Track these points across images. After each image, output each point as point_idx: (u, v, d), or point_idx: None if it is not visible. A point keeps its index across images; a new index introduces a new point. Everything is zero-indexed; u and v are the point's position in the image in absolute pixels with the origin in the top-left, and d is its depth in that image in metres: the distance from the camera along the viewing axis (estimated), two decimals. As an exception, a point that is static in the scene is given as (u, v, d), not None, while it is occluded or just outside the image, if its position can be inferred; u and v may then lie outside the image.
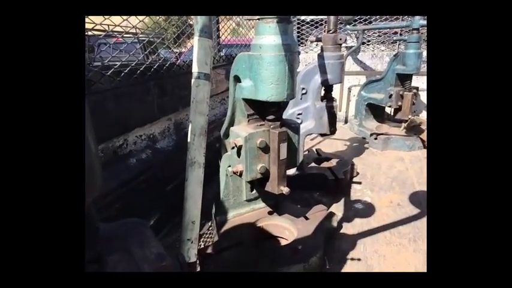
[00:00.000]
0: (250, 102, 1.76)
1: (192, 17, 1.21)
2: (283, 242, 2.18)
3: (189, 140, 1.07)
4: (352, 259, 2.11)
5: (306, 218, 2.27)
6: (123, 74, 1.90)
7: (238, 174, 1.82)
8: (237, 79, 1.79)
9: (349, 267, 2.04)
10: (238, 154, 1.78)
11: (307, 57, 5.35)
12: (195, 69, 1.03)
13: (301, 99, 2.77)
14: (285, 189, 1.87)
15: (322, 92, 2.79)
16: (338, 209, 2.69)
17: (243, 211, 2.28)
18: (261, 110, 1.78)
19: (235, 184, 2.14)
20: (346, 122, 5.32)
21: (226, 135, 2.07)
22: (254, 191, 2.33)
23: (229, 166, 1.98)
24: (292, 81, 1.59)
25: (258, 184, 1.98)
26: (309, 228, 2.14)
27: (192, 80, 1.06)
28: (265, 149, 1.76)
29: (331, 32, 2.60)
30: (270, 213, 2.34)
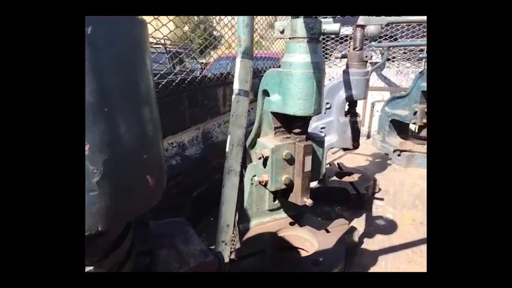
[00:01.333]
0: (277, 116, 1.84)
1: (236, 39, 1.30)
2: (304, 254, 2.21)
3: (227, 150, 1.16)
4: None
5: (327, 231, 2.29)
6: (160, 85, 2.04)
7: (263, 184, 1.89)
8: (266, 93, 1.88)
9: (369, 283, 2.04)
10: (265, 165, 1.86)
11: (331, 71, 5.41)
12: (236, 86, 1.13)
13: (325, 113, 2.83)
14: (308, 201, 1.92)
15: (346, 107, 2.84)
16: (359, 224, 2.68)
17: (265, 220, 2.34)
18: (288, 123, 1.86)
19: (259, 193, 2.21)
20: (368, 137, 5.30)
21: (252, 145, 2.16)
22: (276, 201, 2.39)
23: (255, 176, 2.06)
24: (319, 97, 1.67)
25: (282, 195, 2.04)
26: (330, 241, 2.16)
27: (233, 96, 1.16)
28: (291, 160, 1.83)
29: (357, 49, 2.66)
30: (291, 224, 2.38)
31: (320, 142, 1.94)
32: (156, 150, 0.53)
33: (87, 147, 0.42)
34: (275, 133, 1.88)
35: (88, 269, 0.55)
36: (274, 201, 2.34)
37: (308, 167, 1.84)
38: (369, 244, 2.43)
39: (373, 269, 2.17)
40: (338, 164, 3.43)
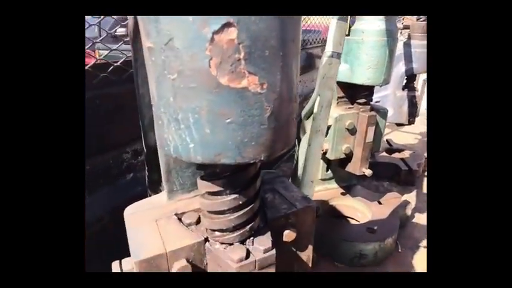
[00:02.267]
0: (342, 86, 1.85)
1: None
2: (354, 223, 2.27)
3: (315, 110, 1.22)
4: (424, 247, 2.13)
5: (380, 203, 2.32)
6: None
7: (323, 152, 1.94)
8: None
9: (420, 254, 2.07)
10: (326, 133, 1.90)
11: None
12: (329, 48, 1.16)
13: (380, 86, 2.76)
14: (367, 171, 1.95)
15: (404, 81, 2.74)
16: (410, 199, 2.67)
17: (317, 189, 2.41)
18: (352, 93, 1.86)
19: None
20: (417, 115, 5.07)
21: (308, 116, 2.19)
22: (329, 171, 2.44)
23: (310, 145, 2.11)
24: (390, 66, 1.65)
25: (339, 164, 2.08)
26: (383, 212, 2.20)
27: (325, 58, 1.20)
28: (353, 130, 1.85)
29: (420, 20, 2.53)
30: (342, 194, 2.44)
31: (383, 114, 1.93)
32: (296, 100, 0.60)
33: (264, 86, 0.49)
34: (337, 103, 1.89)
35: (231, 197, 0.64)
36: (327, 171, 2.39)
37: (370, 137, 1.86)
38: (420, 219, 2.43)
39: (424, 242, 2.19)
40: (387, 140, 3.37)
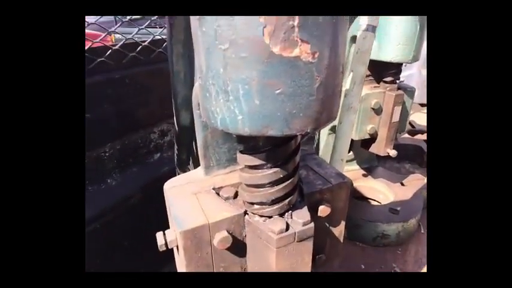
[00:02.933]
0: (369, 63, 1.79)
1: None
2: (376, 204, 2.26)
3: (347, 87, 1.20)
4: (448, 229, 2.11)
5: (402, 184, 2.30)
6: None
7: (347, 132, 1.91)
8: (354, 39, 1.82)
9: (444, 237, 2.05)
10: (350, 113, 1.87)
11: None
12: (364, 21, 1.13)
13: (410, 63, 2.67)
14: (392, 152, 1.92)
15: (430, 59, 2.64)
16: (433, 181, 2.62)
17: (338, 170, 2.41)
18: (379, 71, 1.81)
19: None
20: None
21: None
22: (351, 153, 2.42)
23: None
24: (420, 42, 1.58)
25: (362, 145, 2.05)
26: (406, 194, 2.18)
27: (359, 32, 1.17)
28: (378, 110, 1.81)
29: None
30: (364, 175, 2.42)
31: (411, 93, 1.87)
32: (343, 71, 0.59)
33: (316, 55, 0.49)
34: (363, 82, 1.84)
35: (272, 170, 0.65)
36: (348, 152, 2.37)
37: (396, 117, 1.82)
38: (444, 201, 2.39)
39: (448, 224, 2.16)
40: (410, 121, 3.28)
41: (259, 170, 0.67)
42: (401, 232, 1.95)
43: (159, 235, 0.74)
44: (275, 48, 0.46)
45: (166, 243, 0.72)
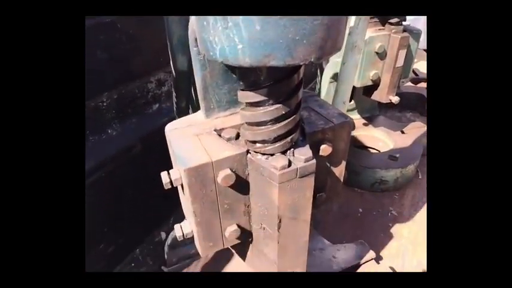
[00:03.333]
0: (374, 3, 1.68)
1: None
2: (375, 152, 2.29)
3: (352, 24, 1.13)
4: (444, 175, 2.17)
5: (403, 132, 2.31)
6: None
7: (349, 79, 1.87)
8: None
9: (440, 181, 2.11)
10: (353, 59, 1.80)
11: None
12: None
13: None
14: (394, 98, 1.89)
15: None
16: (433, 129, 2.63)
17: (339, 120, 2.40)
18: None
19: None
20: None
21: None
22: (352, 102, 2.39)
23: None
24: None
25: (364, 92, 2.02)
26: (406, 141, 2.20)
27: None
28: (382, 54, 1.74)
29: None
30: (364, 124, 2.42)
31: (417, 35, 1.79)
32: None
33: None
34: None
35: (274, 107, 0.64)
36: (350, 101, 2.34)
37: (400, 61, 1.76)
38: (443, 148, 2.42)
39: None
40: (413, 69, 3.19)
41: (261, 107, 0.66)
42: (400, 178, 2.01)
43: (164, 174, 0.75)
44: (277, -39, 0.42)
45: (171, 182, 0.74)
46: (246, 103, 0.68)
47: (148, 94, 1.62)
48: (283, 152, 0.72)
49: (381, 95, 1.89)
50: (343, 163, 0.93)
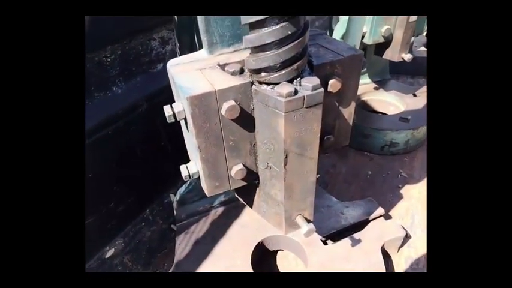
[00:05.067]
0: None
1: None
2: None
3: None
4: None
5: (415, 95, 2.23)
6: None
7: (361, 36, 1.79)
8: None
9: (453, 145, 2.06)
10: (364, 14, 1.72)
11: None
12: None
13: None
14: (407, 56, 1.81)
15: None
16: (447, 94, 2.54)
17: (349, 84, 2.33)
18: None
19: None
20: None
21: None
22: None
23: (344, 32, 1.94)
24: None
25: (376, 51, 1.94)
26: (417, 104, 2.13)
27: None
28: (396, 8, 1.65)
29: None
30: (375, 89, 2.35)
31: (433, -15, 1.67)
32: None
33: None
34: (380, -25, 1.64)
35: (278, 26, 0.60)
36: (360, 64, 2.26)
37: (414, 16, 1.66)
38: (457, 112, 2.34)
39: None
40: (427, 34, 3.04)
41: (265, 28, 0.62)
42: (411, 140, 1.96)
43: (167, 107, 0.73)
44: None
45: (174, 114, 0.72)
46: (250, 25, 0.65)
47: (152, 52, 1.58)
48: (290, 81, 0.69)
49: (393, 53, 1.82)
50: (353, 104, 0.89)
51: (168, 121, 0.73)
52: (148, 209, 1.73)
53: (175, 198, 1.50)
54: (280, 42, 0.63)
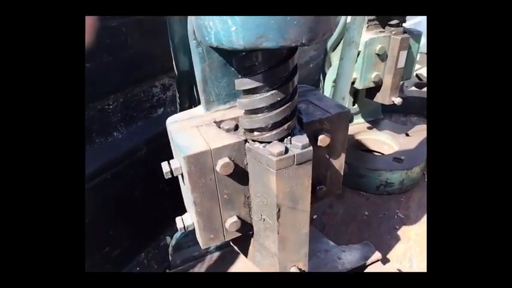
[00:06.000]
0: (373, 6, 1.71)
1: None
2: (380, 155, 2.28)
3: (348, 20, 1.15)
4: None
5: (407, 135, 2.29)
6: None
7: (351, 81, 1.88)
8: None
9: (448, 184, 2.08)
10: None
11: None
12: None
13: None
14: (397, 100, 1.89)
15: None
16: (439, 132, 2.61)
17: (343, 124, 2.40)
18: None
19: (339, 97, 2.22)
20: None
21: (334, 47, 2.09)
22: (355, 106, 2.40)
23: (342, 59, 2.00)
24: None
25: (367, 95, 2.03)
26: (410, 144, 2.18)
27: None
28: (383, 56, 1.76)
29: None
30: (369, 128, 2.42)
31: (417, 36, 1.81)
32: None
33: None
34: (367, 27, 1.77)
35: (270, 93, 0.65)
36: (353, 105, 2.35)
37: (401, 63, 1.77)
38: (449, 151, 2.39)
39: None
40: (417, 74, 3.20)
41: (257, 94, 0.68)
42: (405, 180, 1.98)
43: (164, 164, 0.77)
44: None
45: (171, 171, 0.75)
46: (243, 91, 0.70)
47: (153, 98, 1.66)
48: (281, 140, 0.73)
49: (384, 97, 1.90)
50: (343, 155, 0.93)
51: (166, 177, 0.76)
52: (144, 252, 1.70)
53: (170, 243, 1.48)
54: (271, 107, 0.68)
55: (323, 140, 0.83)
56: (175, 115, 0.88)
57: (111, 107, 1.43)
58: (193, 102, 1.35)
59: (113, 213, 1.47)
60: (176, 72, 1.16)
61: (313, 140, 0.83)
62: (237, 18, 0.51)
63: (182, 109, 1.37)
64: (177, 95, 1.30)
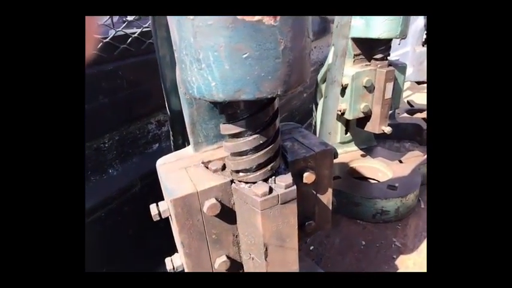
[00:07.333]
0: (358, 42, 1.81)
1: None
2: (375, 182, 2.29)
3: (330, 61, 1.22)
4: (448, 203, 2.13)
5: (401, 162, 2.32)
6: None
7: (341, 113, 1.94)
8: (344, 20, 1.84)
9: (444, 210, 2.07)
10: (343, 93, 1.89)
11: None
12: None
13: (399, 44, 2.67)
14: (387, 129, 1.94)
15: (424, 37, 2.63)
16: (432, 158, 2.63)
17: (337, 152, 2.43)
18: (369, 49, 1.82)
19: (326, 132, 2.28)
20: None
21: (324, 80, 2.18)
22: (348, 134, 2.44)
23: (326, 97, 2.09)
24: (407, 17, 1.59)
25: (358, 124, 2.08)
26: (404, 171, 2.20)
27: None
28: (370, 88, 1.83)
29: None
30: (362, 156, 2.45)
31: (402, 68, 1.89)
32: (309, 35, 0.62)
33: (277, 18, 0.52)
34: (354, 61, 1.87)
35: (252, 137, 0.69)
36: (346, 133, 2.39)
37: (388, 94, 1.84)
38: (444, 176, 2.40)
39: (448, 198, 2.18)
40: (408, 101, 3.29)
41: (241, 138, 0.71)
42: (401, 207, 1.98)
43: (153, 206, 0.79)
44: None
45: (159, 213, 0.77)
46: (228, 135, 0.74)
47: (148, 135, 1.70)
48: (265, 180, 0.76)
49: (374, 126, 1.95)
50: (330, 190, 0.95)
51: (154, 219, 0.78)
52: (138, 290, 1.67)
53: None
54: (255, 149, 0.72)
55: (308, 177, 0.86)
56: (165, 156, 0.91)
57: (106, 145, 1.47)
58: (186, 139, 1.39)
59: (105, 250, 1.46)
60: (169, 112, 1.21)
61: (298, 178, 0.86)
62: (216, 74, 0.56)
63: (176, 145, 1.41)
64: (171, 132, 1.35)
